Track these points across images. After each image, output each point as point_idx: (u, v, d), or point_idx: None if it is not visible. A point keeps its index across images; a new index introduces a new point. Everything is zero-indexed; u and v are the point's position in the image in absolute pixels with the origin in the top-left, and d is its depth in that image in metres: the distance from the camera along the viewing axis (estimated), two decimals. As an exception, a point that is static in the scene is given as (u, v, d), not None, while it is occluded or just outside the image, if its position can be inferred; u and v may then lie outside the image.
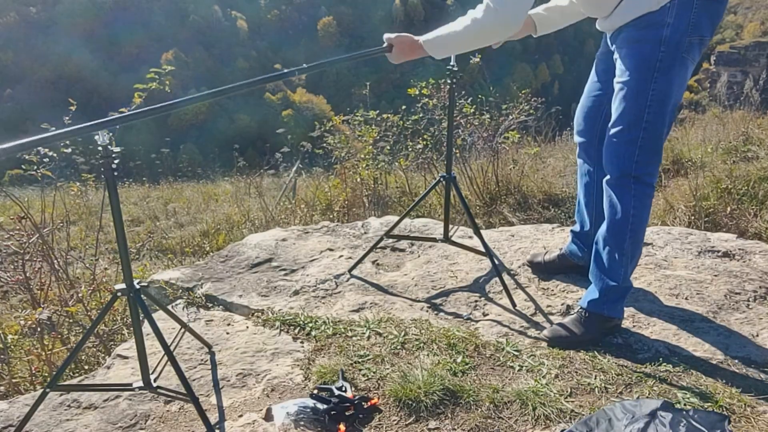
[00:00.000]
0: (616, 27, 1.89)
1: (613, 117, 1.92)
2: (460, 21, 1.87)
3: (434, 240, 2.62)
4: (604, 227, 2.02)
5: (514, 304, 2.28)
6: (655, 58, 1.80)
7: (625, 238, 1.96)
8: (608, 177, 1.97)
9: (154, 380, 1.63)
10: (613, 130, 1.91)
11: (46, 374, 2.54)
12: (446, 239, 2.53)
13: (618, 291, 2.02)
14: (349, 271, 2.60)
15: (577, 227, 2.41)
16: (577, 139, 2.26)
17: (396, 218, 3.34)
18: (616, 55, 1.93)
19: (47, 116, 3.79)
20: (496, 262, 2.57)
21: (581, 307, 2.06)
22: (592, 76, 2.17)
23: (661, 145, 1.93)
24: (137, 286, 1.59)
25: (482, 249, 2.35)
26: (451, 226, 2.55)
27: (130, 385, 1.66)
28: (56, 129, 3.17)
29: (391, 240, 2.94)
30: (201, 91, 1.74)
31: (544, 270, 2.50)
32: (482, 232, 2.69)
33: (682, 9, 1.76)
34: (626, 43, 1.86)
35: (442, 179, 2.41)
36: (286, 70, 1.87)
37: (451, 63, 2.20)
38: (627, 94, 1.86)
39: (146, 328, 1.68)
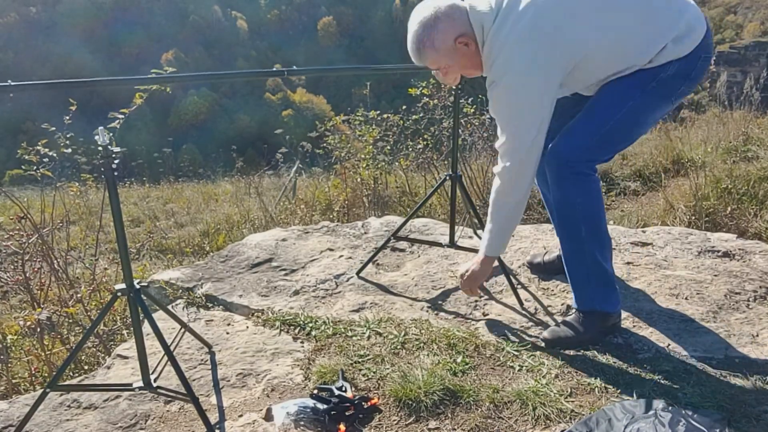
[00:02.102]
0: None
1: (572, 123, 1.93)
2: (489, 214, 1.99)
3: (440, 245, 2.60)
4: (554, 220, 2.05)
5: (521, 303, 2.27)
6: (645, 83, 1.83)
7: (580, 227, 1.93)
8: (548, 172, 1.95)
9: (154, 380, 1.63)
10: (570, 128, 1.92)
11: (46, 374, 2.54)
12: (452, 244, 2.51)
13: (597, 280, 1.97)
14: (357, 273, 2.59)
15: None
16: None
17: (397, 218, 3.34)
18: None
19: (47, 116, 3.79)
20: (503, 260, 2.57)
21: (575, 308, 2.05)
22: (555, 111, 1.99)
23: (610, 157, 2.01)
24: (137, 286, 1.59)
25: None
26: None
27: (130, 385, 1.66)
28: (57, 129, 3.17)
29: (385, 240, 2.94)
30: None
31: (543, 270, 2.50)
32: (482, 232, 2.68)
33: (686, 62, 1.81)
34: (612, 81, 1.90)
35: (448, 178, 2.39)
36: (274, 69, 1.89)
37: None
38: (600, 104, 1.89)
39: (146, 328, 1.68)
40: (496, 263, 2.16)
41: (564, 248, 2.02)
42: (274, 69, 1.90)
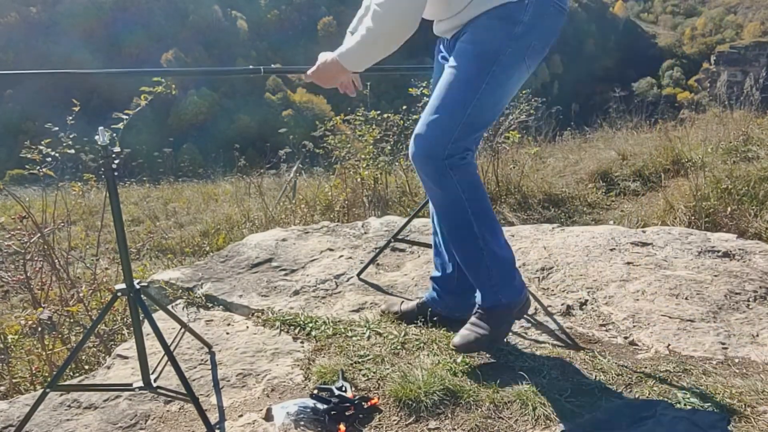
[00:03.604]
0: (465, 22, 1.76)
1: (432, 102, 1.77)
2: (359, 30, 1.75)
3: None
4: (442, 225, 1.91)
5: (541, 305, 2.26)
6: (500, 52, 1.70)
7: (471, 224, 1.80)
8: (420, 169, 1.80)
9: (155, 380, 1.63)
10: (429, 117, 1.76)
11: (46, 374, 2.55)
12: None
13: (499, 271, 1.84)
14: (358, 275, 2.58)
15: (436, 272, 2.13)
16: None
17: (397, 218, 3.34)
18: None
19: (47, 116, 3.79)
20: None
21: (478, 306, 1.90)
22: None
23: (477, 140, 1.84)
24: (137, 286, 1.59)
25: None
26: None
27: (130, 385, 1.67)
28: (59, 129, 3.18)
29: (385, 240, 2.94)
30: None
31: (402, 320, 2.19)
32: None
33: (537, 12, 1.69)
34: (472, 28, 1.74)
35: None
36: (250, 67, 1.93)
37: None
38: (456, 79, 1.73)
39: (146, 328, 1.68)
40: None
41: (458, 252, 1.88)
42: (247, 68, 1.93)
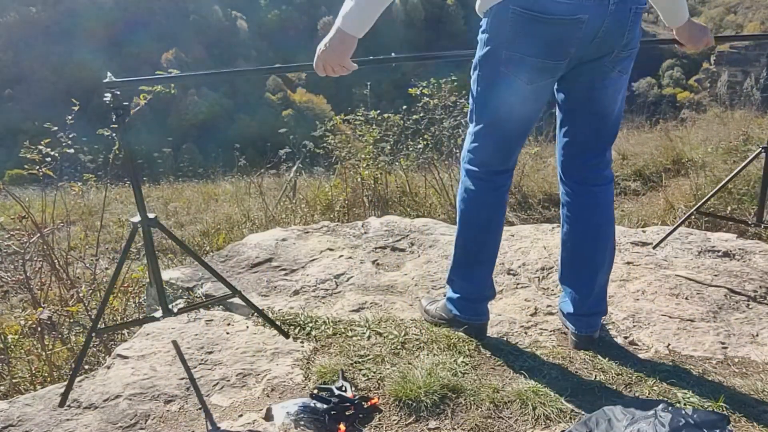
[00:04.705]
0: None
1: None
2: None
3: (746, 224, 2.47)
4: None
5: None
6: (477, 59, 1.72)
7: (457, 232, 1.90)
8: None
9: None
10: None
11: (46, 374, 2.55)
12: (760, 222, 2.37)
13: (460, 301, 1.97)
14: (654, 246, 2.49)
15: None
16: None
17: (397, 218, 3.34)
18: None
19: (47, 116, 3.79)
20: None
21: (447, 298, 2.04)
22: None
23: (491, 150, 1.81)
24: (150, 217, 1.76)
25: None
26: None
27: (155, 317, 1.84)
28: (59, 129, 3.18)
29: (385, 240, 2.94)
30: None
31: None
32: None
33: (495, 19, 1.62)
34: None
35: (763, 151, 2.15)
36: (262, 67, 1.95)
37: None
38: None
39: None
40: None
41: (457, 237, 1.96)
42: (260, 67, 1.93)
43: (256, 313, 1.83)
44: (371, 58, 1.93)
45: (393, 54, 2.06)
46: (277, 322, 2.18)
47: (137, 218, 1.74)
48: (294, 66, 2.06)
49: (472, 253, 1.92)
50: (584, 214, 1.90)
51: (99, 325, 1.78)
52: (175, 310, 1.80)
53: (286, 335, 1.80)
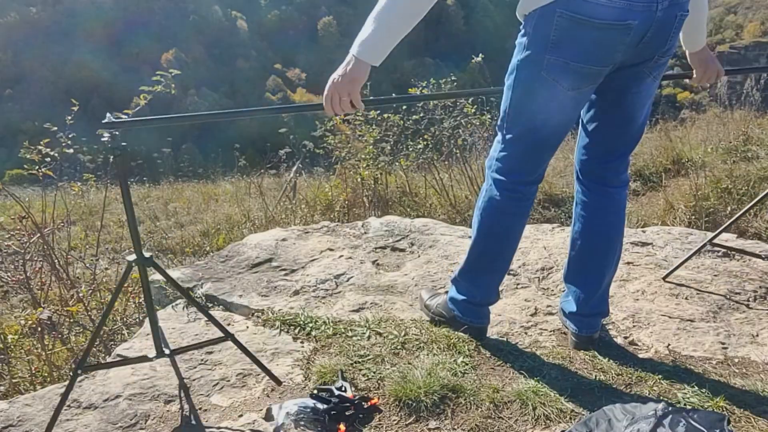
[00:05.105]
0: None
1: None
2: (376, 11, 1.58)
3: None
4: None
5: None
6: (515, 63, 1.66)
7: (474, 239, 1.88)
8: None
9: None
10: None
11: (46, 374, 2.55)
12: None
13: (463, 302, 1.97)
14: (664, 278, 2.44)
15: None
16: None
17: (397, 218, 3.34)
18: None
19: (47, 116, 3.79)
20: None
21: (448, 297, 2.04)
22: None
23: (522, 159, 1.76)
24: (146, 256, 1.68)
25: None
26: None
27: (147, 357, 1.74)
28: (59, 129, 3.18)
29: (385, 240, 2.94)
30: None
31: None
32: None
33: (540, 22, 1.55)
34: None
35: None
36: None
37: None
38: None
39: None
40: None
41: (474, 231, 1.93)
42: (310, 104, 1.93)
43: (249, 358, 1.79)
44: (382, 98, 1.93)
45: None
46: (278, 322, 2.18)
47: (132, 257, 1.66)
48: (305, 105, 2.03)
49: (487, 261, 1.92)
50: (599, 214, 1.88)
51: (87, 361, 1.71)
52: (167, 351, 1.71)
53: (279, 382, 1.79)
